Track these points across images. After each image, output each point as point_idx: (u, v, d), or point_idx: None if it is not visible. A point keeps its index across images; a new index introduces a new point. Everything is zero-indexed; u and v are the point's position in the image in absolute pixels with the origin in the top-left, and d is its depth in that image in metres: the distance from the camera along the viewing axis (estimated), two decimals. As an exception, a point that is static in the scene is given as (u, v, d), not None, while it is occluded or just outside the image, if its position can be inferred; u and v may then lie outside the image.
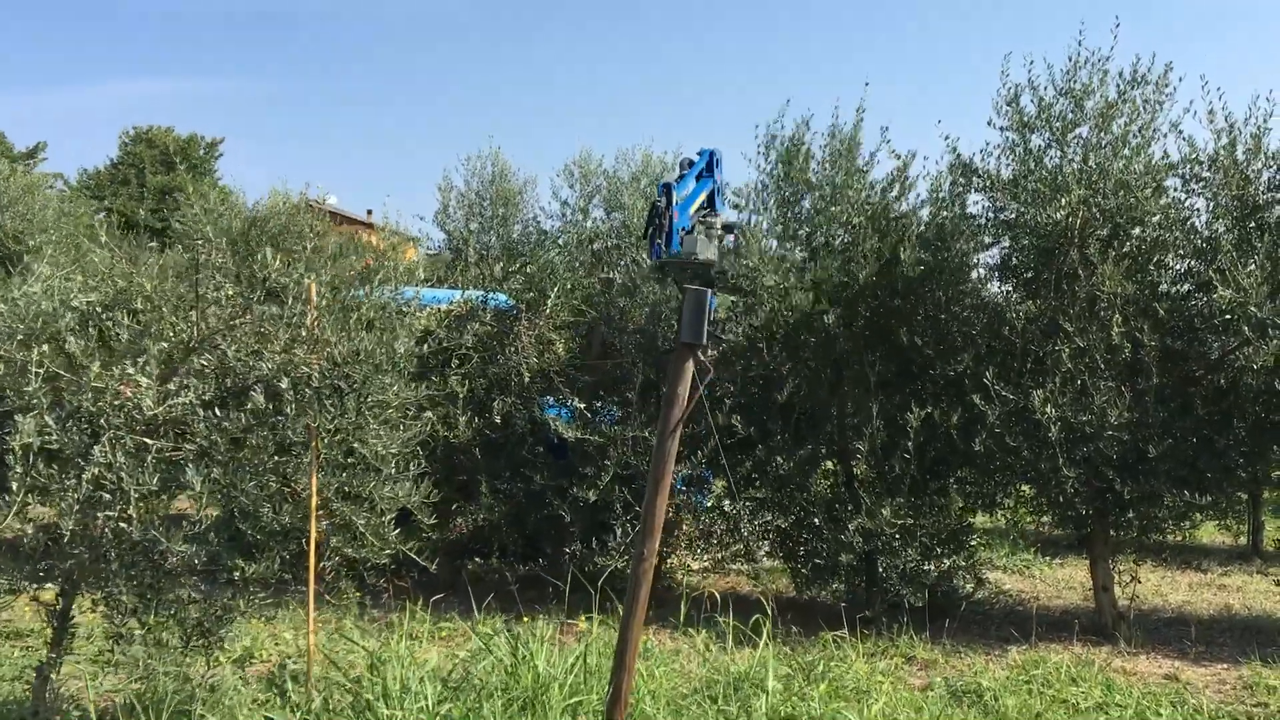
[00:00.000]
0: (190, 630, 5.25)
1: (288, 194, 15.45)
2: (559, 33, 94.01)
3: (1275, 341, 7.21)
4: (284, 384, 4.89)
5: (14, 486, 4.50)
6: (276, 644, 7.41)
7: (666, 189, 9.82)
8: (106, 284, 6.05)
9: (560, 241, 11.06)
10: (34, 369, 4.80)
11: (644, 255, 9.75)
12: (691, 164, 11.01)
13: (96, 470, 4.56)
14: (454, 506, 9.51)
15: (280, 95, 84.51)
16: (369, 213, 30.26)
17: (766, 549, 9.34)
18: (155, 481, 4.67)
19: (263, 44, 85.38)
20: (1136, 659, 7.53)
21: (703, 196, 10.66)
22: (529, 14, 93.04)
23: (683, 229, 9.66)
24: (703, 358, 4.70)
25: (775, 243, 8.66)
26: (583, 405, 9.01)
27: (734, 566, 9.57)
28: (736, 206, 9.29)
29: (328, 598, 5.64)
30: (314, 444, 5.08)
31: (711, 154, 10.96)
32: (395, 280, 9.32)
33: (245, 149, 73.80)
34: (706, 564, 9.54)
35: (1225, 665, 7.39)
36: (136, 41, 79.45)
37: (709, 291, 4.58)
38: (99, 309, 5.29)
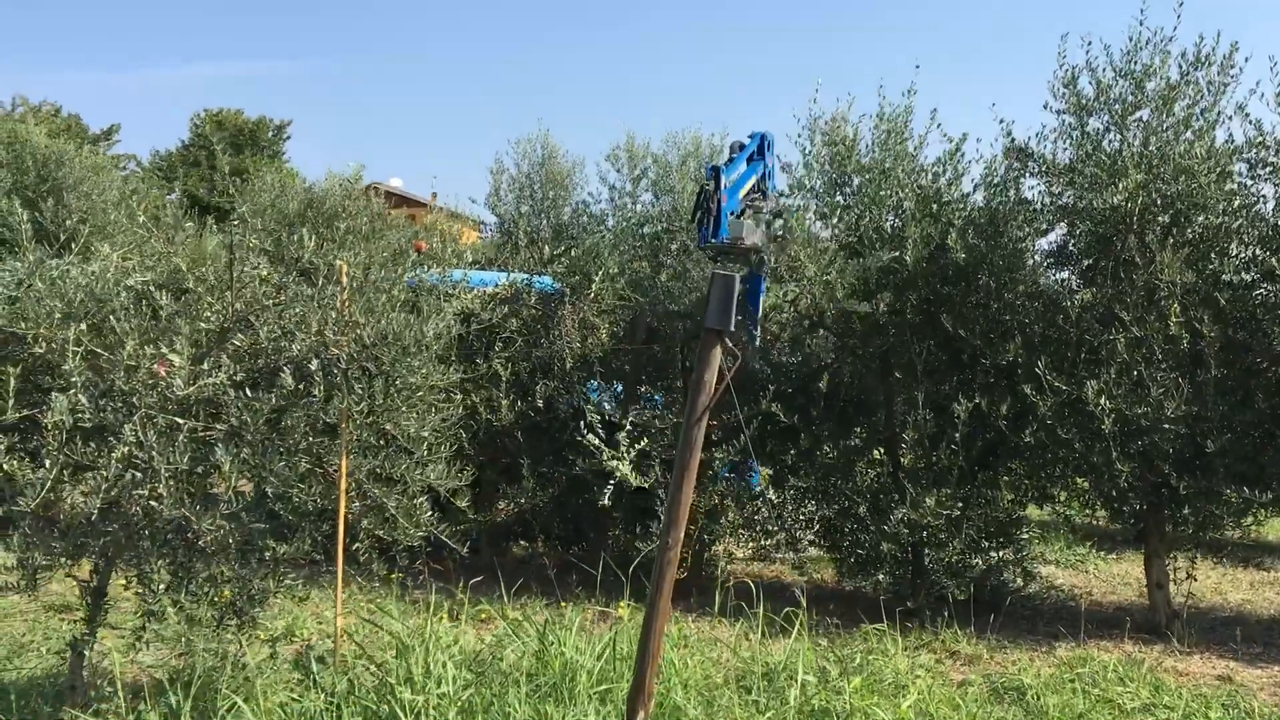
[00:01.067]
0: (224, 609, 5.30)
1: (343, 175, 15.61)
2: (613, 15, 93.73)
3: (1342, 333, 6.92)
4: (314, 365, 4.89)
5: (47, 464, 4.55)
6: (319, 623, 7.47)
7: (715, 172, 9.74)
8: (163, 263, 6.13)
9: (607, 225, 11.00)
10: (72, 347, 4.86)
11: (692, 239, 9.66)
12: (742, 147, 10.93)
13: (127, 449, 4.60)
14: (498, 489, 9.54)
15: (352, 77, 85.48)
16: (433, 195, 30.51)
17: (810, 538, 9.22)
18: (186, 461, 4.71)
19: (333, 26, 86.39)
20: (1189, 659, 7.31)
21: (754, 180, 10.57)
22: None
23: (731, 212, 9.58)
24: (731, 344, 4.60)
25: (820, 226, 8.52)
26: (620, 383, 8.97)
27: (778, 555, 9.47)
28: (782, 194, 9.16)
29: (360, 580, 5.64)
30: (343, 425, 5.08)
31: (762, 137, 10.86)
32: (444, 262, 9.36)
33: (317, 131, 74.92)
34: (750, 552, 9.45)
35: (1283, 668, 7.15)
36: (210, 23, 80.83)
37: (737, 277, 4.47)
38: (154, 288, 5.34)
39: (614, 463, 7.87)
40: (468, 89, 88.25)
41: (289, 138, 51.50)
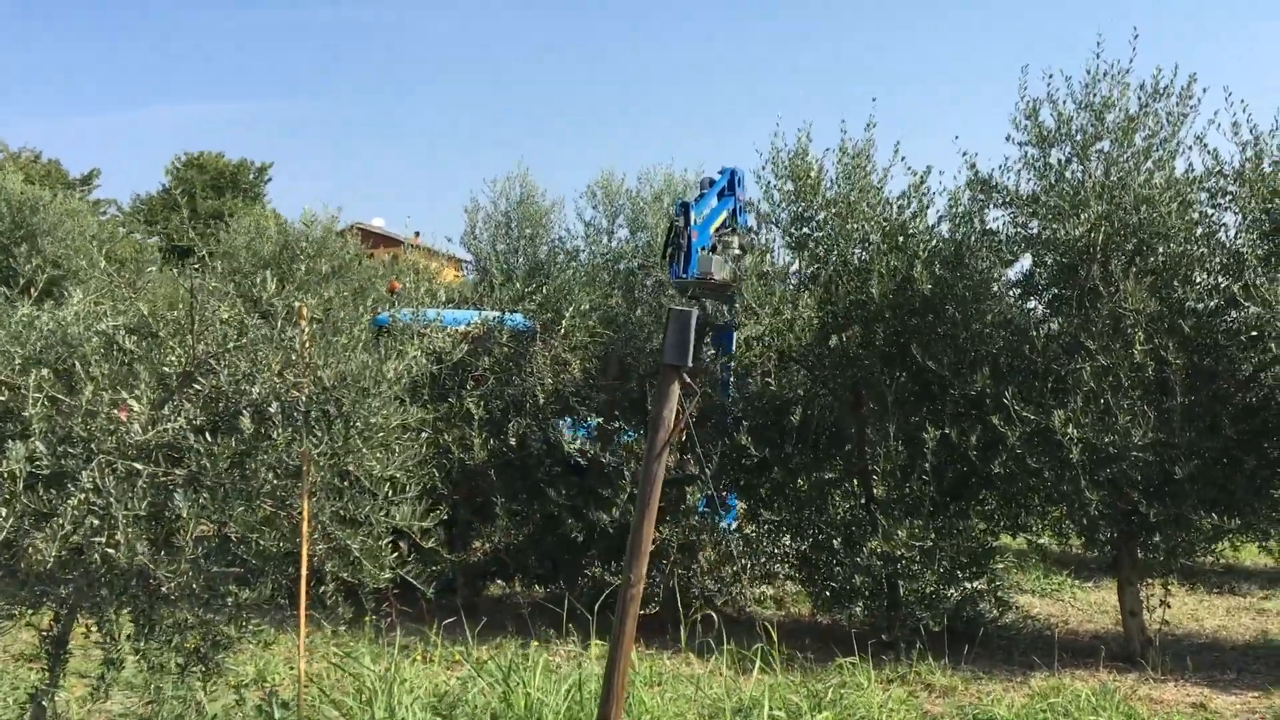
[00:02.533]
0: (188, 656, 5.25)
1: (317, 216, 15.69)
2: (587, 55, 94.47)
3: (1304, 358, 6.98)
4: (273, 408, 4.88)
5: (3, 512, 4.51)
6: (290, 668, 7.40)
7: (684, 208, 9.82)
8: (132, 308, 6.12)
9: (580, 260, 11.05)
10: (32, 394, 4.84)
11: (665, 274, 9.71)
12: (712, 182, 11.03)
13: (84, 495, 4.57)
14: (472, 528, 9.49)
15: (333, 119, 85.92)
16: (416, 235, 30.67)
17: (786, 572, 9.20)
18: (145, 507, 4.68)
19: (314, 68, 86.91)
20: (1164, 686, 7.30)
21: (724, 215, 10.66)
22: (561, 36, 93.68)
23: (702, 248, 9.65)
24: (690, 379, 4.61)
25: (785, 260, 8.57)
26: (600, 419, 8.97)
27: (753, 590, 9.42)
28: (751, 229, 9.22)
29: (325, 624, 5.60)
30: (305, 468, 5.06)
31: (733, 173, 10.96)
32: (417, 301, 9.36)
33: (304, 172, 75.18)
34: (726, 586, 9.40)
35: (1257, 694, 7.14)
36: (190, 67, 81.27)
37: (694, 312, 4.50)
38: (123, 332, 5.34)
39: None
40: (454, 130, 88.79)
41: (270, 179, 51.70)
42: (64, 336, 5.31)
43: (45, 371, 5.02)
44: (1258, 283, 7.15)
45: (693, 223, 9.23)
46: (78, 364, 5.06)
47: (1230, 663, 7.90)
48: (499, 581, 10.15)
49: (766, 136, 8.91)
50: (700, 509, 8.90)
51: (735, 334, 9.27)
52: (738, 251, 9.08)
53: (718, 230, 9.85)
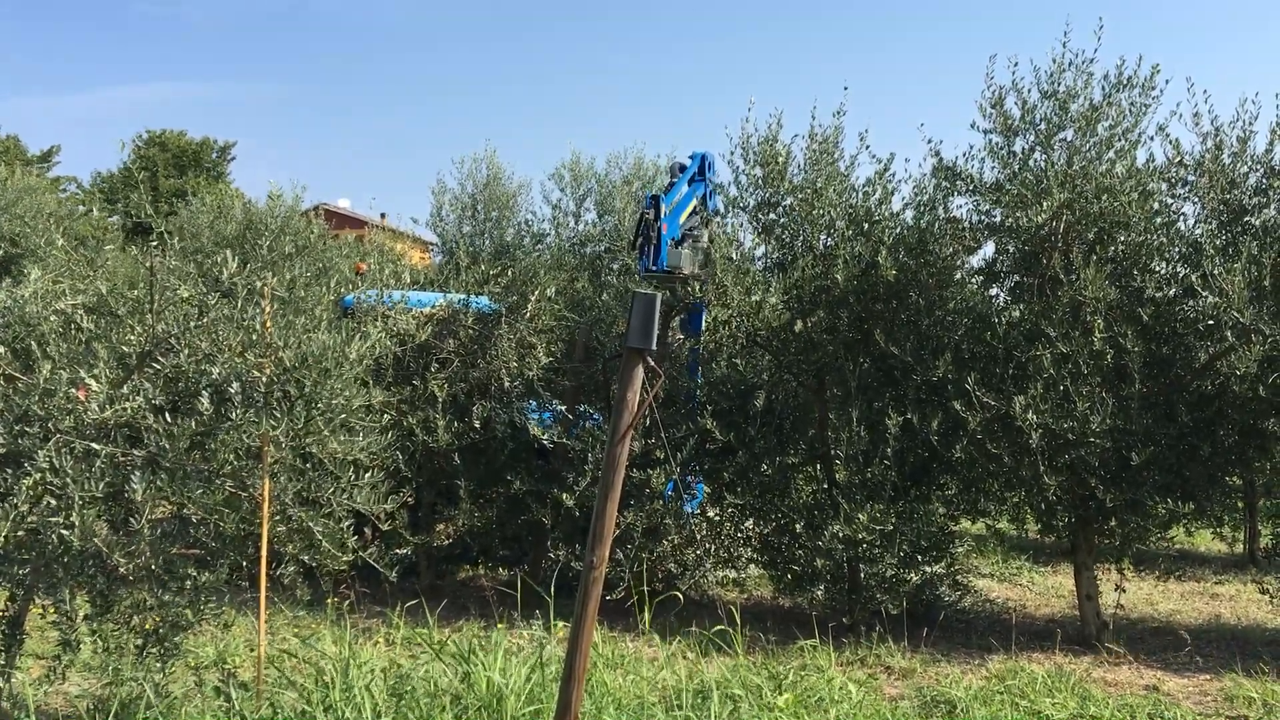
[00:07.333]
0: (145, 638, 5.21)
1: (282, 196, 15.52)
2: (555, 36, 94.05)
3: (1259, 347, 7.09)
4: (234, 388, 4.85)
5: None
6: (252, 650, 7.36)
7: (655, 201, 9.78)
8: (91, 286, 6.05)
9: (547, 243, 11.01)
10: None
11: (633, 260, 9.70)
12: (683, 168, 11.00)
13: (40, 475, 4.52)
14: (436, 511, 9.47)
15: (298, 99, 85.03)
16: (382, 216, 30.44)
17: (749, 555, 9.25)
18: (102, 487, 4.64)
19: (279, 49, 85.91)
20: (1118, 669, 7.42)
21: (695, 202, 10.65)
22: (530, 17, 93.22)
23: (672, 239, 9.63)
24: (653, 363, 4.62)
25: (751, 245, 8.58)
26: (564, 407, 8.97)
27: (719, 573, 9.47)
28: (718, 212, 9.22)
29: (283, 606, 5.58)
30: (264, 449, 5.03)
31: (703, 157, 10.94)
32: (383, 283, 9.30)
33: (266, 153, 74.38)
34: (690, 570, 9.45)
35: (1208, 676, 7.27)
36: (151, 46, 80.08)
37: (658, 296, 4.50)
38: (82, 311, 5.28)
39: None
40: (420, 111, 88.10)
41: (233, 159, 51.09)
42: (21, 315, 5.25)
43: (2, 350, 4.97)
44: (1215, 272, 7.25)
45: (663, 214, 9.22)
46: (35, 343, 5.01)
47: (1183, 646, 8.02)
48: (463, 564, 10.13)
49: (738, 121, 8.80)
50: (666, 493, 8.93)
51: (704, 315, 9.29)
52: (707, 244, 9.09)
53: (689, 218, 9.85)
